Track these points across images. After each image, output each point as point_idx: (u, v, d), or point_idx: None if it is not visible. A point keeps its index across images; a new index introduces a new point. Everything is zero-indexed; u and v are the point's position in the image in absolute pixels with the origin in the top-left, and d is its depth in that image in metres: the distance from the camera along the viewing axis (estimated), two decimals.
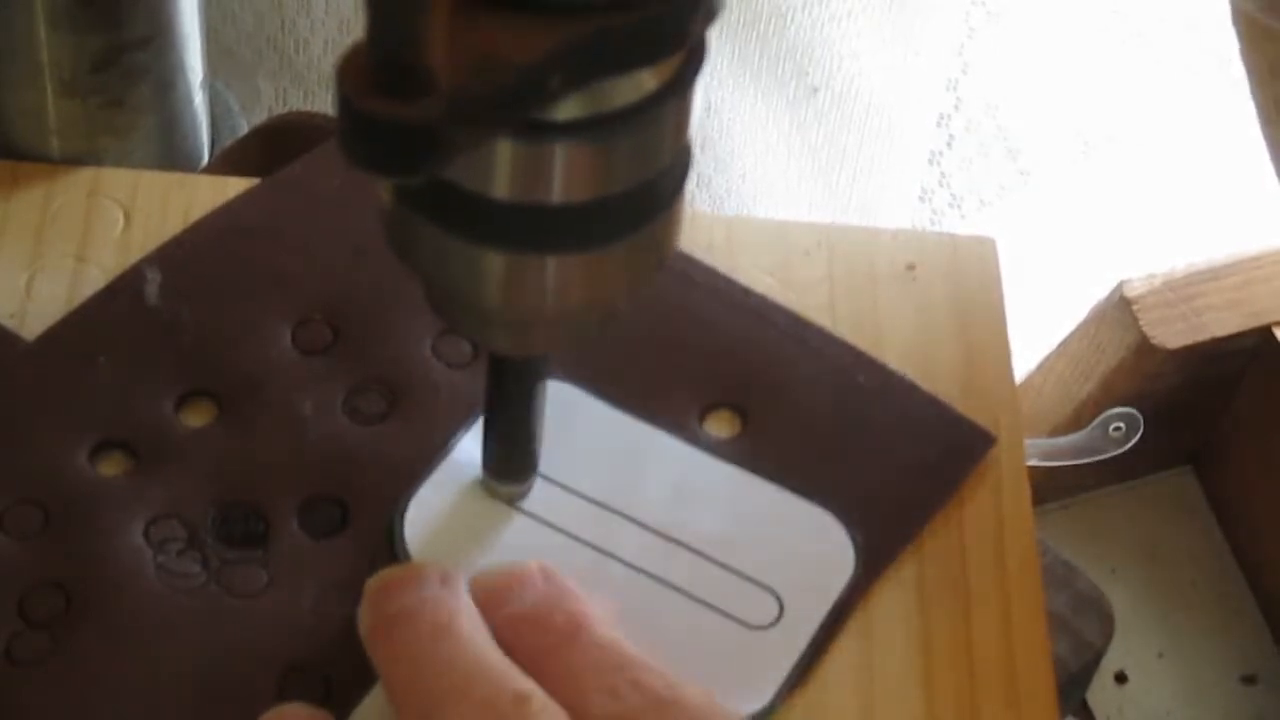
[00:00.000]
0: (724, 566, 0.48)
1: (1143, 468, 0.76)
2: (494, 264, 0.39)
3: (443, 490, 0.49)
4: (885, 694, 0.47)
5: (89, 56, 0.55)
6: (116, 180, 0.55)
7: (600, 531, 0.48)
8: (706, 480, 0.50)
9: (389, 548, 0.48)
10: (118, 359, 0.51)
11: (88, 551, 0.47)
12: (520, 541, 0.48)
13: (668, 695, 0.43)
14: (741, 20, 0.82)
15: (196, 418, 0.50)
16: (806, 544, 0.49)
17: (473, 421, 0.49)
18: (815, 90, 0.85)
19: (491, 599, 0.45)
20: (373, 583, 0.45)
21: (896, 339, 0.54)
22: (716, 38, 0.82)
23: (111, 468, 0.49)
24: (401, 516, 0.48)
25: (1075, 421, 0.71)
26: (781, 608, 0.47)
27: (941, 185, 0.90)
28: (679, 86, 0.38)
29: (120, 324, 0.51)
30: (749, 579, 0.48)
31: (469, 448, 0.49)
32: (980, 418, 0.52)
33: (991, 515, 0.50)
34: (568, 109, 0.37)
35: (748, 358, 0.52)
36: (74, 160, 0.56)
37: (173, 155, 0.59)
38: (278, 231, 0.54)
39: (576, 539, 0.48)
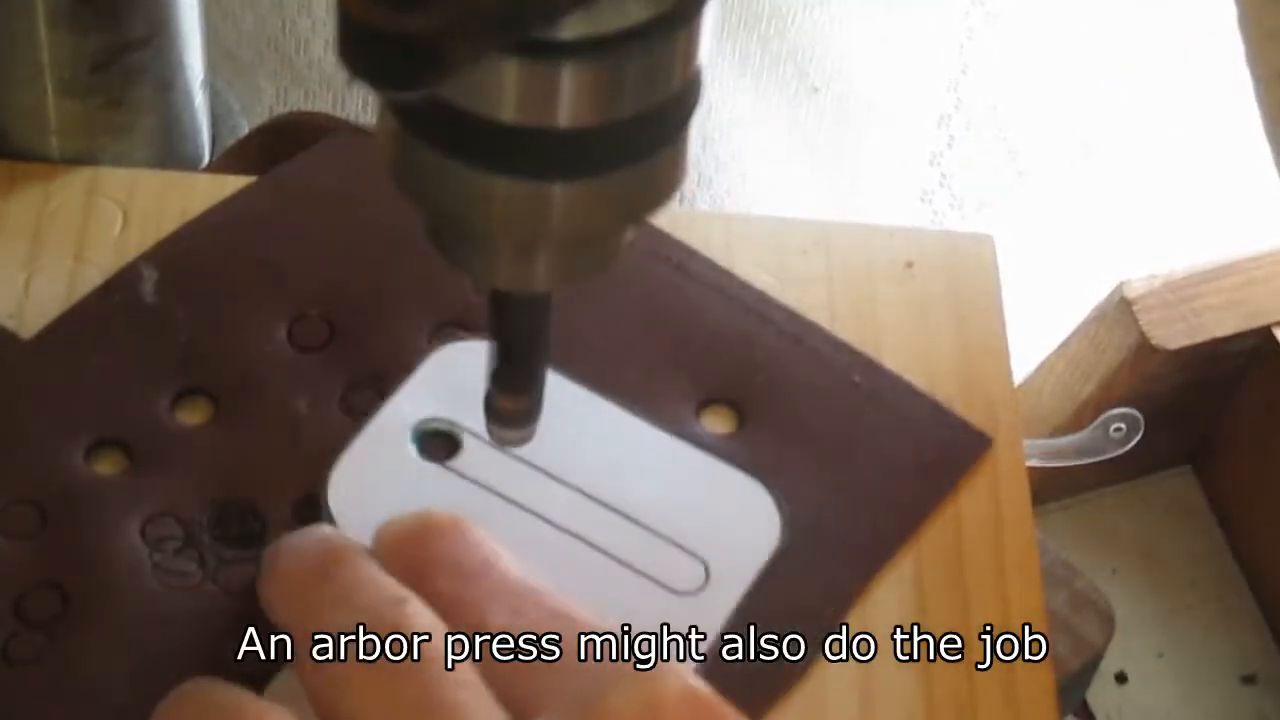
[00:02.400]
0: (653, 532, 0.48)
1: (1143, 468, 0.76)
2: (497, 189, 0.39)
3: (369, 453, 0.48)
4: (884, 693, 0.47)
5: (89, 56, 0.55)
6: (115, 180, 0.55)
7: (531, 493, 0.48)
8: (640, 447, 0.50)
9: None
10: (114, 357, 0.51)
11: (84, 551, 0.47)
12: (448, 501, 0.47)
13: (567, 610, 0.43)
14: (741, 20, 0.82)
15: (192, 416, 0.50)
16: (735, 512, 0.49)
17: (400, 385, 0.50)
18: (815, 90, 0.85)
19: (401, 544, 0.44)
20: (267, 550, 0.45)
21: (895, 336, 0.54)
22: (717, 39, 0.82)
23: (107, 466, 0.49)
24: (324, 483, 0.47)
25: (1075, 422, 0.71)
26: (708, 574, 0.47)
27: (942, 186, 0.90)
28: (688, 8, 0.37)
29: (116, 322, 0.51)
30: (677, 545, 0.48)
31: (395, 408, 0.49)
32: (978, 414, 0.52)
33: (990, 514, 0.50)
34: (574, 28, 0.36)
35: (745, 354, 0.52)
36: (74, 160, 0.56)
37: (173, 155, 0.59)
38: (274, 227, 0.54)
39: (506, 499, 0.48)
